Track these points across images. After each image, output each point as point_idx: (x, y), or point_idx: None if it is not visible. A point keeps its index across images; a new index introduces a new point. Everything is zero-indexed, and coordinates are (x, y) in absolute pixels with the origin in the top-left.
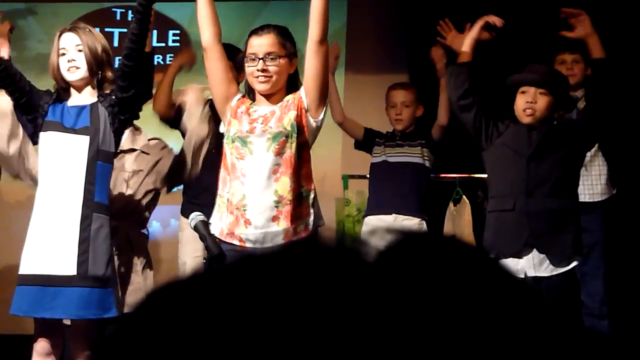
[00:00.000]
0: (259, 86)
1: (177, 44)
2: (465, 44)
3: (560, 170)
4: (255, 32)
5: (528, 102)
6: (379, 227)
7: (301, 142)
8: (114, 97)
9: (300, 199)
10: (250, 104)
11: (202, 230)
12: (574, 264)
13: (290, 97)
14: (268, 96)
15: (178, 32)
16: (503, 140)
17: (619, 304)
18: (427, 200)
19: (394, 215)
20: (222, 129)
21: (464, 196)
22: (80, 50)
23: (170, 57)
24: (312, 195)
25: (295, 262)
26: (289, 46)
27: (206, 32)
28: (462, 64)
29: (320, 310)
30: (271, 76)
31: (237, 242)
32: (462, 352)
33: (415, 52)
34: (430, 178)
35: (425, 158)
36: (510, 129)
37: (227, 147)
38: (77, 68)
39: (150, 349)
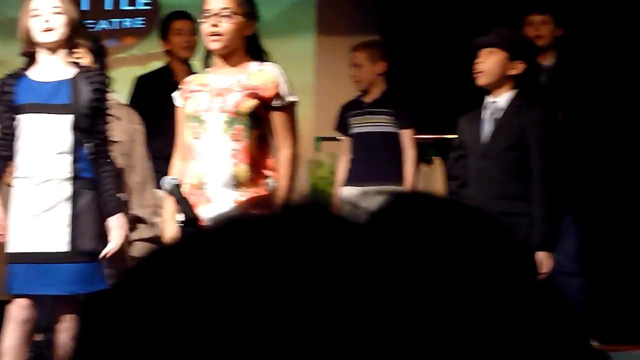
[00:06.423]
0: (211, 44)
1: (148, 7)
2: None
3: (512, 169)
4: None
5: (476, 64)
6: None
7: (261, 133)
8: (97, 82)
9: (263, 187)
10: (205, 74)
11: (177, 194)
12: None
13: (263, 77)
14: (226, 58)
15: None
16: (463, 138)
17: (592, 262)
18: (400, 166)
19: (367, 187)
20: (178, 102)
21: (434, 157)
22: (57, 13)
23: (140, 20)
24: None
25: (290, 225)
26: (246, 5)
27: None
28: None
29: (319, 275)
30: (223, 34)
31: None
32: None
33: (386, 12)
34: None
35: (394, 125)
36: (467, 124)
37: (187, 128)
38: (52, 29)
39: (140, 315)
